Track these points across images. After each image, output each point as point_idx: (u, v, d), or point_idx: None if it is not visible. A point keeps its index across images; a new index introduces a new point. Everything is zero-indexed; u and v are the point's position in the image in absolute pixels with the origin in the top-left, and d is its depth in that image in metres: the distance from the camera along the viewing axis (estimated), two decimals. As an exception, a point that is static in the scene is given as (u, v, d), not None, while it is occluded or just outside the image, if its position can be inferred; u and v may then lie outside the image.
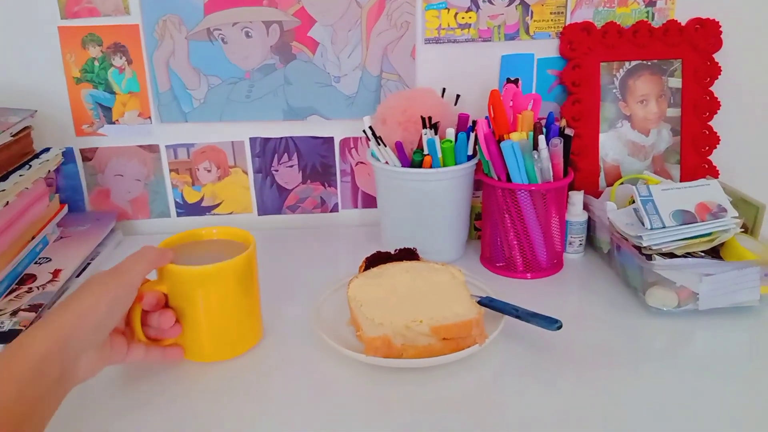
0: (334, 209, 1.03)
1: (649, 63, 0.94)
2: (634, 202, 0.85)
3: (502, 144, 0.78)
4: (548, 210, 0.82)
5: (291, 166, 1.00)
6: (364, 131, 0.84)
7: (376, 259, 0.77)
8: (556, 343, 0.68)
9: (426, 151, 0.81)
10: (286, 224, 1.03)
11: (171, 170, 1.00)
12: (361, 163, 1.00)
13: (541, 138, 0.77)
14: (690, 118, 0.95)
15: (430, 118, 0.80)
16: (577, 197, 0.87)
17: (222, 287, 0.65)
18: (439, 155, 0.81)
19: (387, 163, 0.84)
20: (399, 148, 0.81)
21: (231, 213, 1.02)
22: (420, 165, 0.82)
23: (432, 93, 0.86)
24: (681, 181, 0.95)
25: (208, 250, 0.69)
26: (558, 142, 0.79)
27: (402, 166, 0.83)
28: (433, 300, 0.68)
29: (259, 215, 1.02)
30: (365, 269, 0.76)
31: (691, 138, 0.95)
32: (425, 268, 0.73)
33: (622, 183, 0.92)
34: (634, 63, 0.94)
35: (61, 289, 0.79)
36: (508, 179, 0.80)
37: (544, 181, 0.80)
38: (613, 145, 0.95)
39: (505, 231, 0.83)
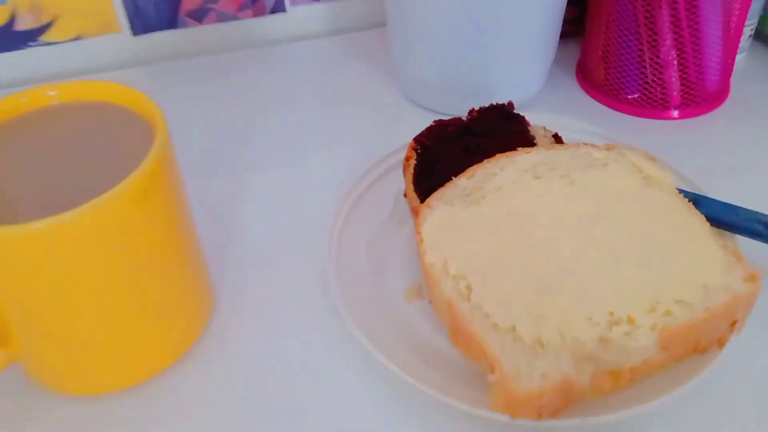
0: (278, 8, 0.56)
1: None
2: None
3: None
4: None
5: (180, -70, 0.50)
6: None
7: (436, 137, 0.36)
8: None
9: None
10: (188, 48, 0.55)
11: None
12: None
13: None
14: None
15: None
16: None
17: (110, 250, 0.25)
18: None
19: None
20: None
21: (77, 38, 0.53)
22: None
23: None
24: None
25: (52, 149, 0.28)
26: None
27: None
28: (638, 251, 0.29)
29: (135, 35, 0.54)
30: (418, 165, 0.35)
31: None
32: (572, 156, 0.33)
33: None
34: None
35: None
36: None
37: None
38: None
39: (654, 39, 0.42)
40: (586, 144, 0.33)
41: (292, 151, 0.44)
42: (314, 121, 0.46)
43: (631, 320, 0.27)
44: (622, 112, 0.46)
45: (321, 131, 0.46)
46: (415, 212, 0.34)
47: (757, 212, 0.34)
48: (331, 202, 0.38)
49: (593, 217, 0.30)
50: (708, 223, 0.30)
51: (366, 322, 0.31)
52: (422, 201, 0.34)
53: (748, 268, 0.28)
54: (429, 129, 0.36)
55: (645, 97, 0.45)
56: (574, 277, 0.29)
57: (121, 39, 0.53)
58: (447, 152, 0.35)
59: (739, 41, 0.45)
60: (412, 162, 0.35)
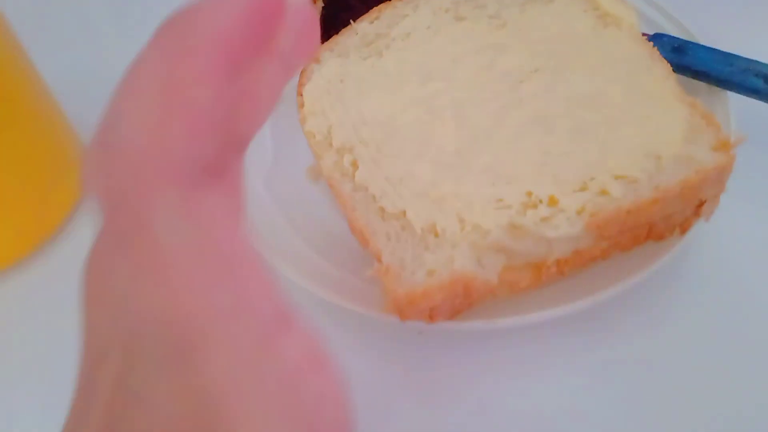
0: None
1: None
2: None
3: None
4: None
5: None
6: None
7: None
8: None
9: None
10: None
11: None
12: None
13: None
14: None
15: None
16: None
17: None
18: None
19: None
20: None
21: None
22: None
23: None
24: None
25: None
26: None
27: None
28: (575, 114, 0.23)
29: None
30: (327, 8, 0.28)
31: None
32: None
33: None
34: None
35: None
36: None
37: None
38: None
39: None
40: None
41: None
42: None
43: (553, 202, 0.21)
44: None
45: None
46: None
47: (757, 62, 0.27)
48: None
49: (524, 71, 0.23)
50: (673, 76, 0.23)
51: (256, 207, 0.26)
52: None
53: (719, 134, 0.22)
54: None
55: None
56: (489, 149, 0.22)
57: None
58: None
59: None
60: (319, 4, 0.28)
